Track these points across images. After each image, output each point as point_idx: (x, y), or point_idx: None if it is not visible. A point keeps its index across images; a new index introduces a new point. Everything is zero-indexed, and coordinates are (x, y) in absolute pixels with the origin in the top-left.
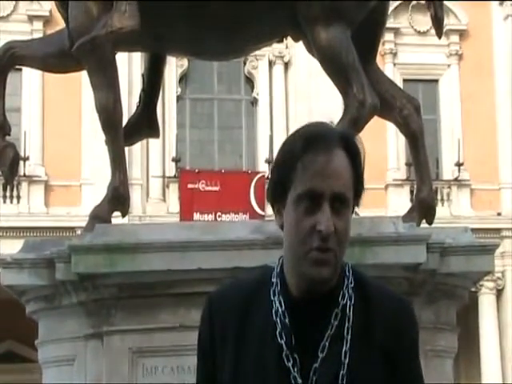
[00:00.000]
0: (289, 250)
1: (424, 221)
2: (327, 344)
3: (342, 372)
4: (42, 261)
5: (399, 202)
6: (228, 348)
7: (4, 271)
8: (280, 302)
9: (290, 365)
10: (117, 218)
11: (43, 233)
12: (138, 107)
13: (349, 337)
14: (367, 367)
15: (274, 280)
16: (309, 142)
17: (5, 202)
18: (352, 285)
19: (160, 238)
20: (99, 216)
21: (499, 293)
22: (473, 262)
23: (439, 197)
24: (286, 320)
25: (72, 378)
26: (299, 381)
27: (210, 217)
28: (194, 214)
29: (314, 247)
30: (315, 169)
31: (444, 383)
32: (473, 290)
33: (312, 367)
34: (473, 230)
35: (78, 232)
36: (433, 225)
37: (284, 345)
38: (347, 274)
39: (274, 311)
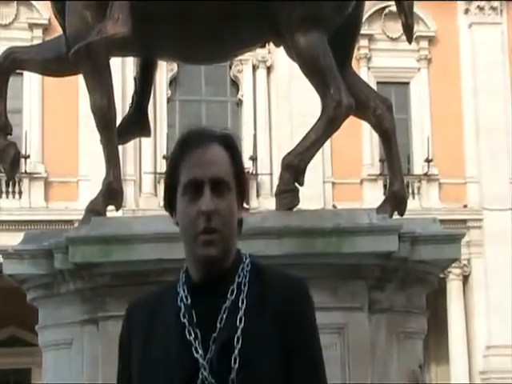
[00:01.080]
0: (183, 238)
1: (396, 212)
2: (224, 316)
3: (236, 335)
4: (41, 251)
5: (373, 196)
6: (140, 340)
7: (6, 261)
8: (184, 290)
9: (191, 338)
10: (111, 212)
11: (43, 226)
12: (130, 108)
13: (243, 306)
14: (260, 332)
15: (180, 275)
16: (185, 142)
17: (7, 197)
18: (248, 268)
19: (151, 229)
20: (95, 210)
21: (465, 279)
22: (441, 250)
23: (410, 190)
24: (188, 302)
25: (70, 360)
26: (200, 351)
27: None
28: None
29: (200, 230)
30: (192, 161)
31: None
32: (441, 276)
33: (212, 337)
34: (441, 220)
35: (76, 225)
36: (404, 216)
37: (186, 322)
38: (244, 260)
39: (178, 298)
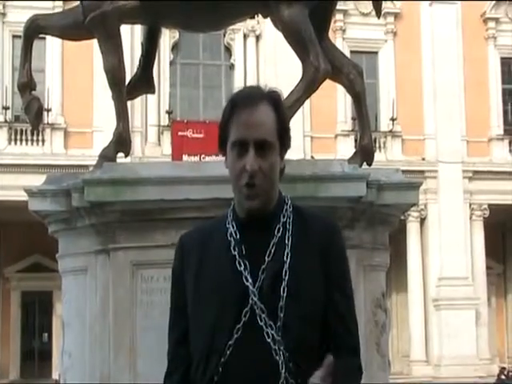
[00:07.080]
0: (232, 186)
1: (365, 163)
2: (272, 251)
3: (285, 268)
4: (61, 191)
5: (346, 148)
6: (193, 269)
7: (31, 199)
8: (232, 226)
9: (241, 269)
10: (121, 158)
11: (62, 169)
12: (138, 69)
13: (289, 243)
14: (305, 265)
15: (229, 213)
16: (235, 102)
17: (32, 144)
18: (291, 209)
19: (155, 174)
20: (107, 156)
21: (422, 221)
22: (402, 196)
23: (377, 145)
24: (238, 236)
25: (85, 284)
26: (249, 279)
27: (196, 158)
28: (183, 155)
29: (243, 184)
30: (240, 122)
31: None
32: (402, 218)
33: (260, 269)
34: (402, 171)
35: (90, 169)
36: (371, 166)
37: (236, 255)
38: (286, 201)
39: (228, 233)
